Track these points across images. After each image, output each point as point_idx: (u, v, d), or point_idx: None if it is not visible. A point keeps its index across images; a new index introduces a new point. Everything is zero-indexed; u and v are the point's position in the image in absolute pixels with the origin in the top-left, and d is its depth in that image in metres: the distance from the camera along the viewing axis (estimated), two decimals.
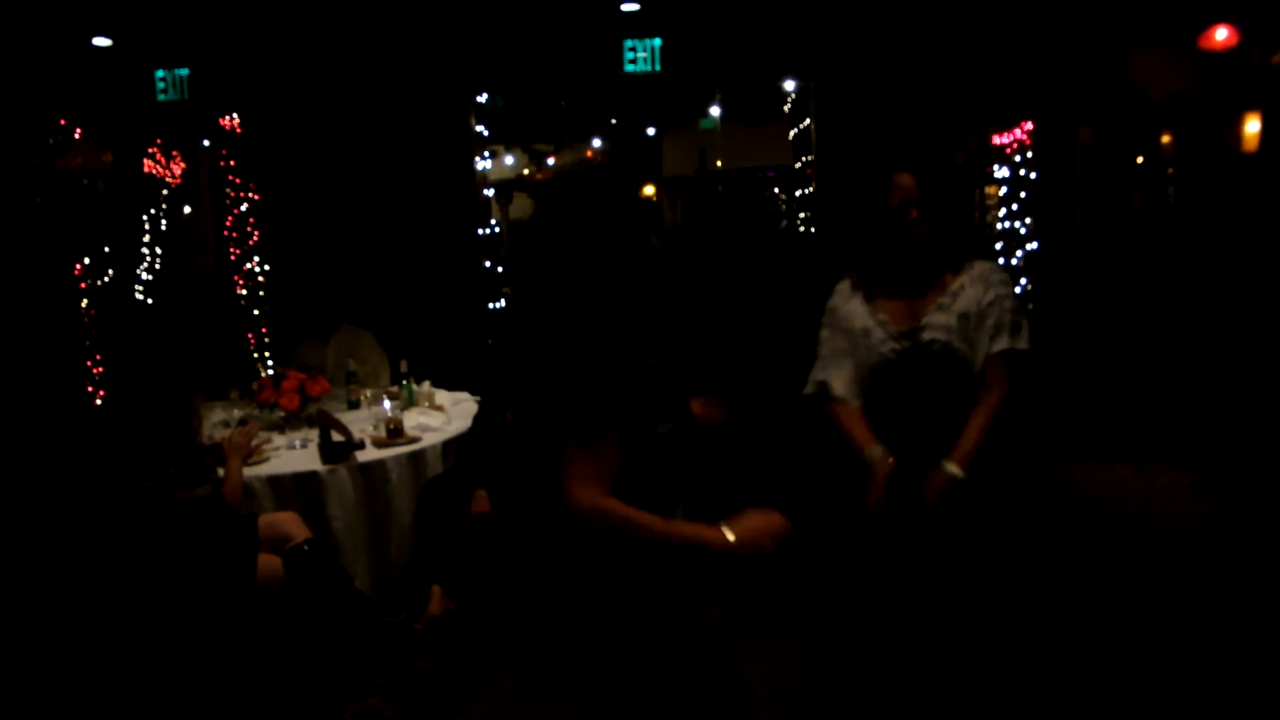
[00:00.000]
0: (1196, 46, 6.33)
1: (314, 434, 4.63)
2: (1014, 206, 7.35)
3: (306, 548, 3.89)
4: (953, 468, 2.78)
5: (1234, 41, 6.16)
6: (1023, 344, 2.82)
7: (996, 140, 7.49)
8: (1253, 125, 6.10)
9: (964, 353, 2.85)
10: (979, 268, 2.90)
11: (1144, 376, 6.07)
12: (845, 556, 4.36)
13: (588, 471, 1.86)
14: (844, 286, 3.10)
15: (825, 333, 3.11)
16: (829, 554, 4.69)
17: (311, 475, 4.29)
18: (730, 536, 1.88)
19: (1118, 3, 6.69)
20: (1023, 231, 7.28)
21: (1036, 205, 7.24)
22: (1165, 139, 7.19)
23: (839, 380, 3.05)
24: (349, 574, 4.11)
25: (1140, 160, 7.24)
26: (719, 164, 13.87)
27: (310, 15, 6.94)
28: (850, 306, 3.04)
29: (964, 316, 2.83)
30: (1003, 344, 2.82)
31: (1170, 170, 7.02)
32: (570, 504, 1.86)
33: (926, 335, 2.87)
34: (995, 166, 7.50)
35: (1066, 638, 3.62)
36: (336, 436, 4.44)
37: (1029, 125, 7.24)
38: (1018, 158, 7.28)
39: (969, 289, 2.86)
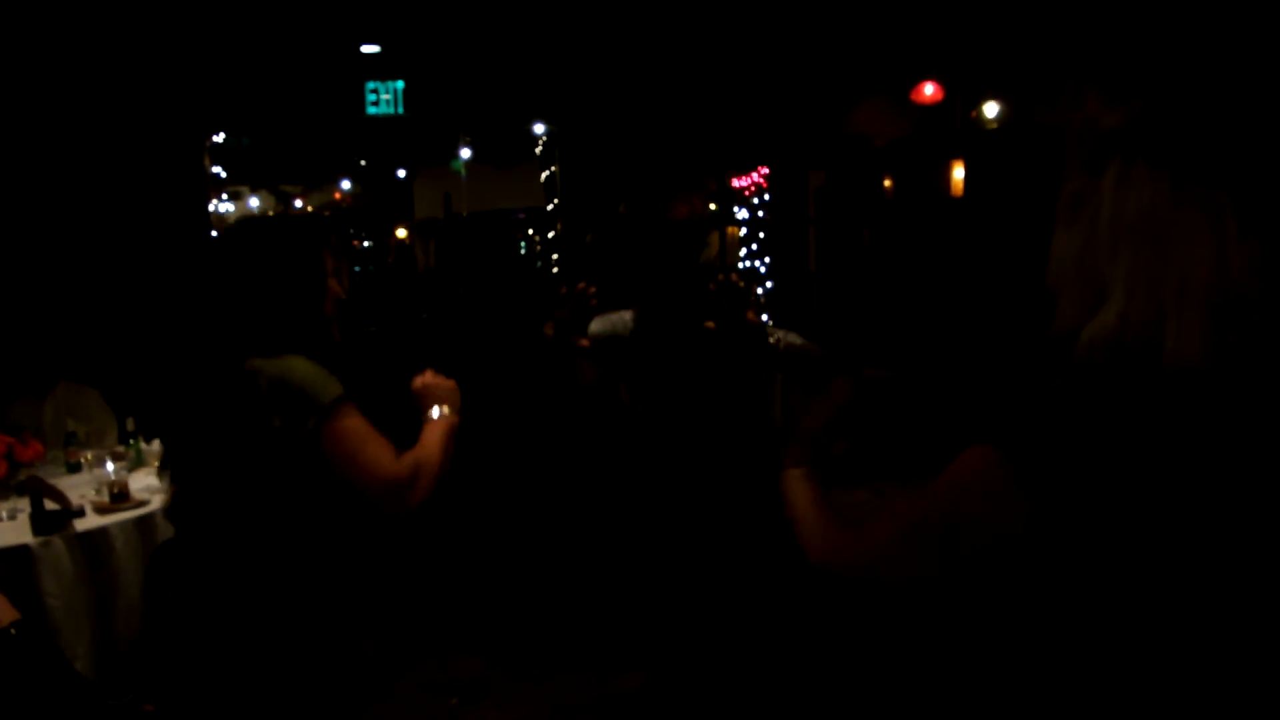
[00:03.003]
0: (910, 100, 6.89)
1: (25, 503, 4.23)
2: (753, 246, 7.70)
3: (14, 631, 3.53)
4: None
5: (940, 96, 6.75)
6: None
7: (735, 183, 7.85)
8: (959, 172, 6.68)
9: None
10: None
11: (880, 405, 6.47)
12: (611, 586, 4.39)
13: (369, 455, 1.90)
14: None
15: None
16: (592, 591, 4.72)
17: (21, 549, 3.89)
18: (443, 411, 2.11)
19: (840, 57, 7.17)
20: (762, 270, 7.64)
21: (773, 245, 7.63)
22: (887, 183, 7.75)
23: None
24: (67, 656, 3.76)
25: (866, 202, 7.77)
26: (464, 210, 13.79)
27: (9, 37, 6.40)
28: None
29: None
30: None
31: (898, 211, 7.56)
32: (396, 491, 1.90)
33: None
34: (735, 208, 7.85)
35: (818, 657, 3.75)
36: (50, 504, 4.06)
37: (765, 170, 7.63)
38: (755, 200, 7.66)
39: None
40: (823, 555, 1.39)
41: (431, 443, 2.02)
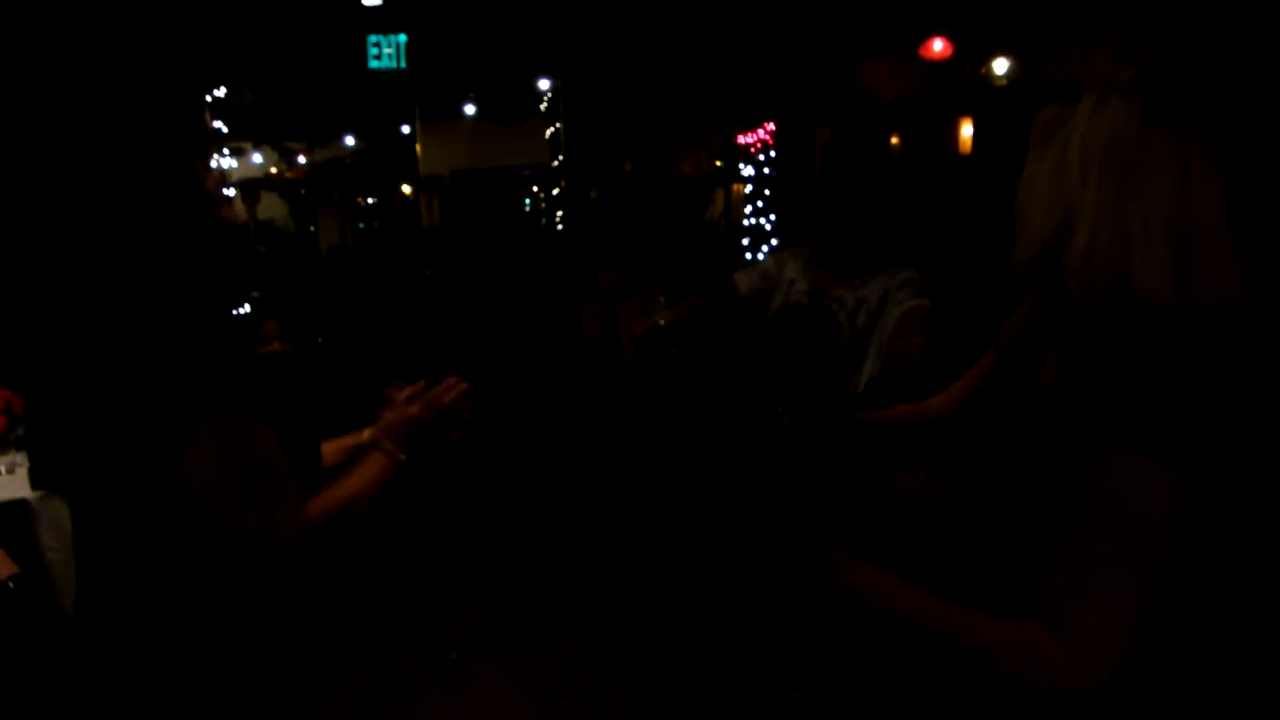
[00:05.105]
0: (919, 56, 6.79)
1: (24, 457, 4.22)
2: (759, 204, 7.64)
3: (12, 585, 3.53)
4: None
5: (949, 53, 6.65)
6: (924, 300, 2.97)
7: (741, 140, 7.77)
8: (967, 129, 6.60)
9: (845, 326, 3.00)
10: (899, 274, 3.05)
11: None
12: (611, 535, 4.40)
13: (275, 493, 1.50)
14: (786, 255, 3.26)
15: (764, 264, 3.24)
16: (593, 551, 4.74)
17: (20, 504, 3.88)
18: (388, 448, 1.63)
19: (848, 12, 7.07)
20: (767, 227, 7.59)
21: (780, 202, 7.57)
22: (895, 140, 7.67)
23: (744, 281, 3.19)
24: (65, 610, 3.77)
25: (873, 159, 7.69)
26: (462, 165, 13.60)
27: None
28: (789, 262, 3.18)
29: (860, 300, 2.99)
30: (910, 302, 2.96)
31: (905, 169, 7.48)
32: (286, 541, 1.51)
33: (828, 300, 3.03)
34: (741, 165, 7.78)
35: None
36: None
37: (771, 126, 7.55)
38: (761, 157, 7.59)
39: (878, 279, 3.00)
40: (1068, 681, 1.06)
41: (357, 486, 1.59)
